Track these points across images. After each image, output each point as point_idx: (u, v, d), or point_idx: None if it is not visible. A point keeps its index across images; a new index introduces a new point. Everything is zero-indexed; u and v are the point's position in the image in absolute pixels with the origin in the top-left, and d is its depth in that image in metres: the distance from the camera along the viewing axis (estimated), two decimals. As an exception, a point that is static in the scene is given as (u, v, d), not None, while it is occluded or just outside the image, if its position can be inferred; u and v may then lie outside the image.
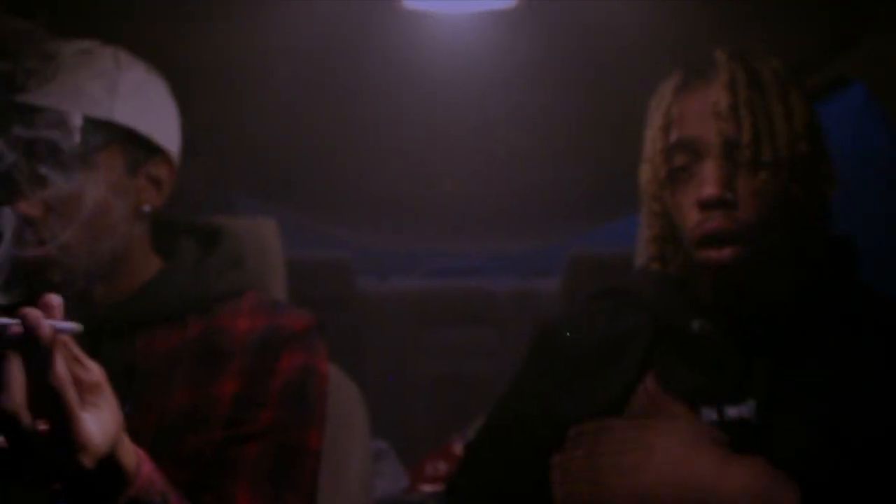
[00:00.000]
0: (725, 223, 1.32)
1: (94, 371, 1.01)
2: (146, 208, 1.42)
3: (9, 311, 0.97)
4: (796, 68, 1.40)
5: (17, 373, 0.93)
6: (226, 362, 1.37)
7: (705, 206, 1.33)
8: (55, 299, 0.99)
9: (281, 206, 3.53)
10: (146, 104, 1.43)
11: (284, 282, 1.79)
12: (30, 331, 0.94)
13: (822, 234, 1.41)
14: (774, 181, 1.32)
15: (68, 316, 1.26)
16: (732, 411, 1.34)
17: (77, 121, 1.32)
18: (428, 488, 3.15)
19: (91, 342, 1.24)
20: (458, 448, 3.14)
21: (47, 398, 0.95)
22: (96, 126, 1.34)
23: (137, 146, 1.40)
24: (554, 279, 4.13)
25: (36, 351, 0.94)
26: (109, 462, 1.02)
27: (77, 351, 1.00)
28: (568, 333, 1.53)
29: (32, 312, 0.95)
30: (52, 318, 0.97)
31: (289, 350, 1.39)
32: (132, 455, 1.08)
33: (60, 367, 0.96)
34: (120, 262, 1.39)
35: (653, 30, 2.00)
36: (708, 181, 1.32)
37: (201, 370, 1.36)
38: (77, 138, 1.32)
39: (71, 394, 0.96)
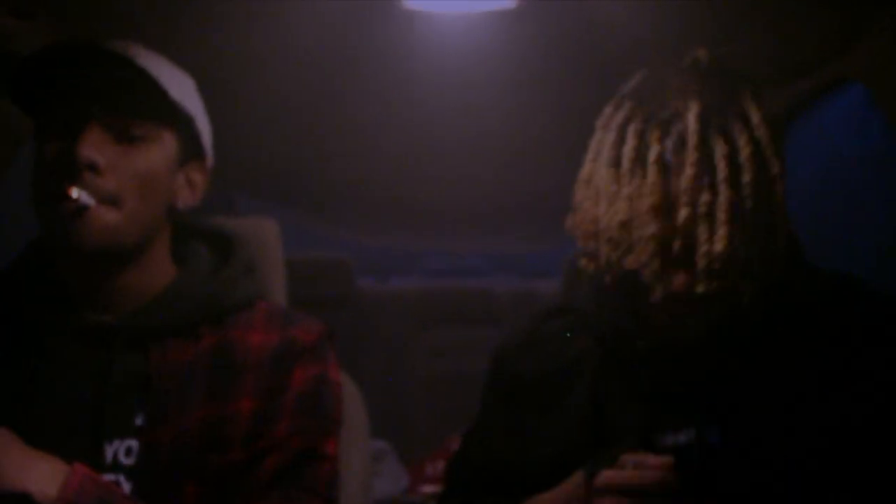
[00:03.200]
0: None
1: None
2: (179, 205, 1.43)
3: None
4: (796, 68, 1.41)
5: None
6: (241, 378, 1.37)
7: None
8: None
9: (281, 207, 3.53)
10: (200, 109, 1.46)
11: (285, 282, 1.79)
12: None
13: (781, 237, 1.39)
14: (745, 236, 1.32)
15: (75, 322, 1.27)
16: (681, 437, 1.31)
17: (161, 86, 1.33)
18: (428, 488, 3.15)
19: (105, 351, 1.24)
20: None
21: None
22: (166, 105, 1.35)
23: (189, 141, 1.42)
24: (553, 280, 4.13)
25: None
26: None
27: None
28: (519, 365, 1.53)
29: None
30: None
31: (301, 363, 1.39)
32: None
33: None
34: (142, 257, 1.39)
35: (654, 30, 1.99)
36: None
37: (217, 385, 1.36)
38: (150, 105, 1.34)
39: None
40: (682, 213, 1.31)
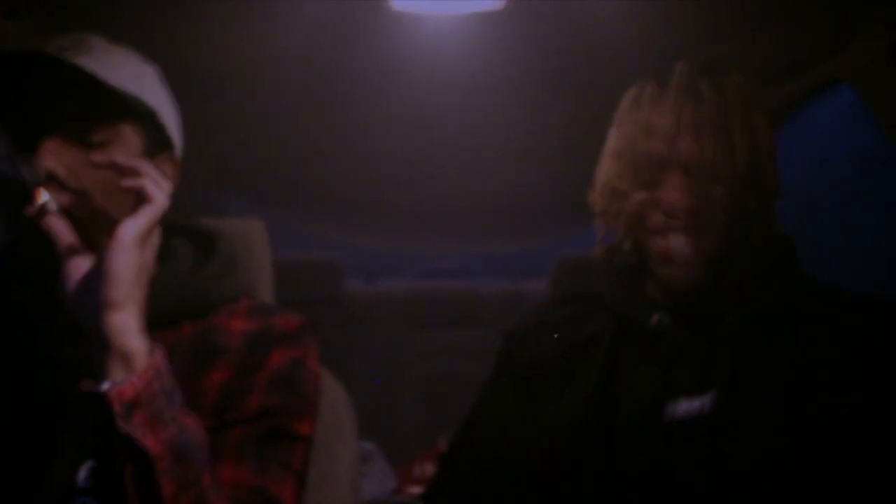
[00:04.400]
0: (688, 248, 1.39)
1: None
2: None
3: None
4: (787, 69, 1.42)
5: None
6: (218, 356, 1.36)
7: (669, 213, 1.38)
8: None
9: (270, 208, 3.52)
10: (164, 99, 1.43)
11: (272, 283, 1.79)
12: None
13: (768, 234, 1.44)
14: (730, 196, 1.38)
15: (61, 318, 1.26)
16: (694, 405, 1.36)
17: (110, 85, 1.30)
18: (416, 490, 3.14)
19: (87, 344, 1.23)
20: (446, 450, 3.14)
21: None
22: (125, 100, 1.33)
23: (154, 135, 1.39)
24: (542, 281, 4.13)
25: None
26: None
27: None
28: (532, 345, 1.55)
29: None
30: None
31: (280, 347, 1.38)
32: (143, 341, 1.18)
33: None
34: None
35: (643, 31, 2.00)
36: (674, 190, 1.38)
37: (195, 364, 1.35)
38: (107, 104, 1.31)
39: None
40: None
